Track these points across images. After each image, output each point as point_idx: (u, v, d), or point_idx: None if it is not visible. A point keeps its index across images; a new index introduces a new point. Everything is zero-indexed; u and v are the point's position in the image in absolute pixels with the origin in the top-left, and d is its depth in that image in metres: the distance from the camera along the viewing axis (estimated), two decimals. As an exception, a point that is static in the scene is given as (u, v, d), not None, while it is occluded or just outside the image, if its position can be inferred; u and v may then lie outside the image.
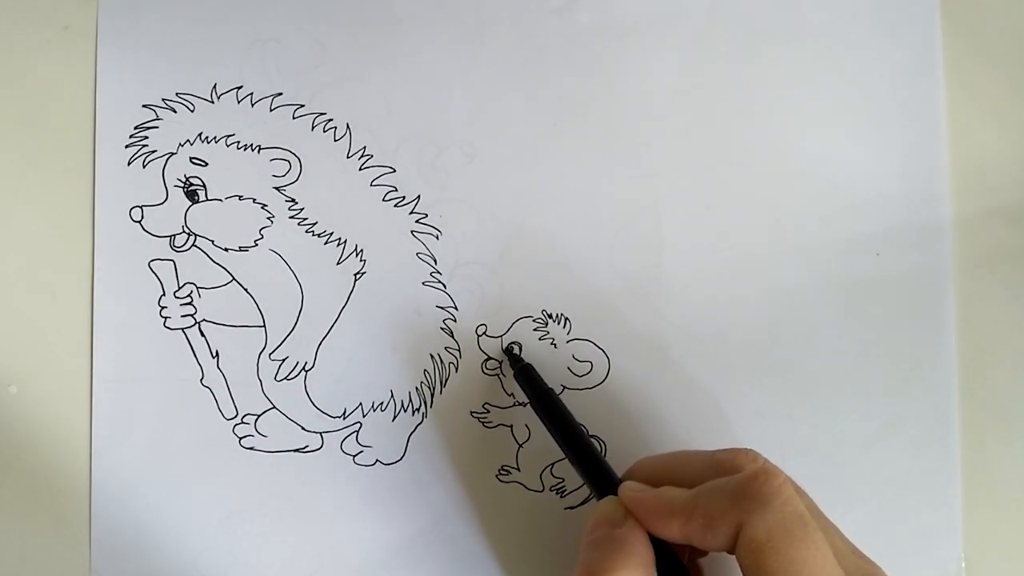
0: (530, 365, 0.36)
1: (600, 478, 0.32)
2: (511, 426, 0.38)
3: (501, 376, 0.38)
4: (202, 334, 0.37)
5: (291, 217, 0.38)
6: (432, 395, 0.38)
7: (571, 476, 0.38)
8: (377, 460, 0.37)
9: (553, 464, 0.38)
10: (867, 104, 0.39)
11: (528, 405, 0.37)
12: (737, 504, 0.27)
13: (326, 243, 0.38)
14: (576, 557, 0.37)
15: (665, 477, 0.31)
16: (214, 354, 0.37)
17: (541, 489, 0.38)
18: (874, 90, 0.39)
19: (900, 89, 0.39)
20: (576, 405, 0.38)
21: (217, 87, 0.38)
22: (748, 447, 0.31)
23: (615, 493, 0.31)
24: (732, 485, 0.27)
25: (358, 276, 0.38)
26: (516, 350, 0.38)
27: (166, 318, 0.37)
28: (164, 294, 0.37)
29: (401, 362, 0.38)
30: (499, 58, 0.39)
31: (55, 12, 0.38)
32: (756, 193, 0.38)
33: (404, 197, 0.38)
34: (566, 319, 0.38)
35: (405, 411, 0.37)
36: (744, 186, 0.38)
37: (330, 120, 0.38)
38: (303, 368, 0.37)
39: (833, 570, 0.26)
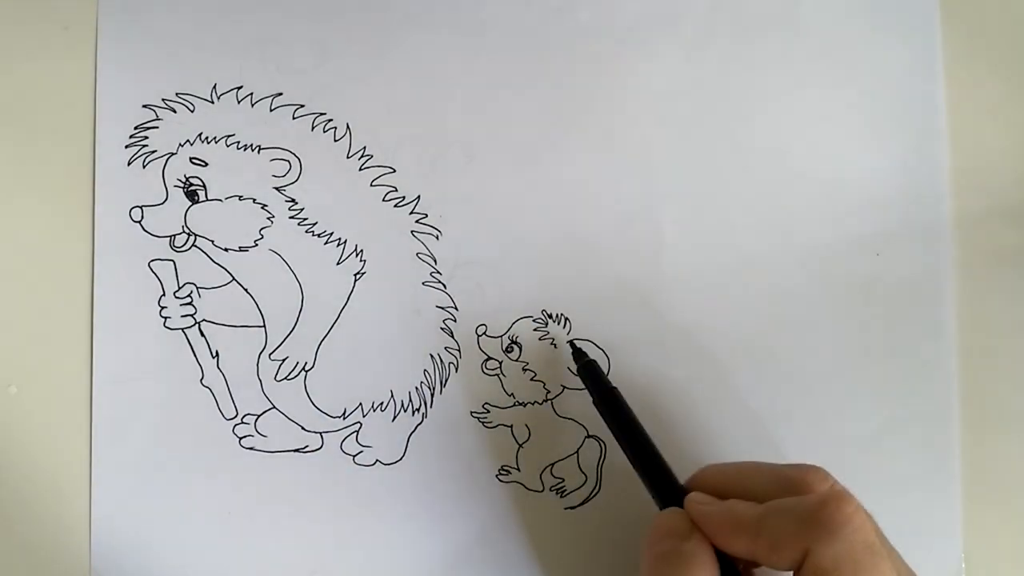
0: (594, 361, 0.36)
1: (664, 486, 0.32)
2: (511, 426, 0.38)
3: (501, 376, 0.38)
4: (202, 334, 0.37)
5: (291, 217, 0.38)
6: (432, 395, 0.38)
7: (571, 476, 0.38)
8: (377, 460, 0.37)
9: (553, 464, 0.38)
10: (867, 104, 0.39)
11: (527, 406, 0.38)
12: (806, 529, 0.26)
13: (326, 243, 0.38)
14: (575, 557, 0.37)
15: (730, 489, 0.30)
16: (214, 354, 0.37)
17: (541, 489, 0.38)
18: (874, 90, 0.39)
19: (900, 89, 0.39)
20: (576, 405, 0.38)
21: (217, 87, 0.38)
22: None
23: (679, 503, 0.31)
24: (801, 508, 0.27)
25: (358, 276, 0.38)
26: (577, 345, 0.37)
27: (166, 318, 0.37)
28: (164, 294, 0.37)
29: (401, 362, 0.38)
30: (499, 58, 0.39)
31: (55, 12, 0.38)
32: (756, 193, 0.38)
33: (404, 197, 0.38)
34: (566, 319, 0.38)
35: (405, 411, 0.37)
36: (744, 186, 0.38)
37: (330, 120, 0.38)
38: (303, 368, 0.37)
39: None
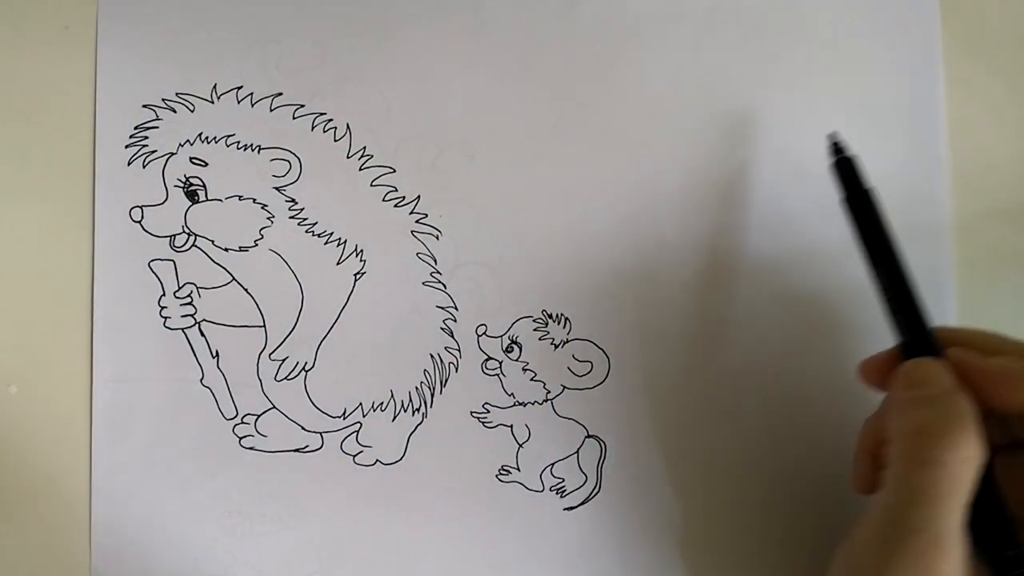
0: (854, 158, 0.33)
1: (918, 326, 0.30)
2: (511, 426, 0.38)
3: (501, 376, 0.38)
4: (202, 334, 0.37)
5: (291, 217, 0.38)
6: (432, 395, 0.38)
7: (571, 476, 0.38)
8: (377, 460, 0.37)
9: (553, 464, 0.38)
10: (867, 103, 0.39)
11: (527, 406, 0.38)
12: None
13: (326, 243, 0.38)
14: (575, 557, 0.37)
15: (990, 351, 0.29)
16: (214, 354, 0.37)
17: (541, 489, 0.38)
18: (874, 90, 0.39)
19: (900, 88, 0.39)
20: (576, 405, 0.38)
21: (217, 87, 0.38)
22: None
23: (931, 353, 0.30)
24: None
25: (358, 276, 0.38)
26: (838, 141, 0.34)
27: (166, 318, 0.37)
28: (164, 294, 0.37)
29: (401, 362, 0.38)
30: (499, 58, 0.39)
31: (55, 12, 0.38)
32: (756, 193, 0.38)
33: (404, 197, 0.38)
34: (566, 319, 0.38)
35: (405, 411, 0.37)
36: (744, 186, 0.38)
37: (330, 120, 0.38)
38: (303, 368, 0.37)
39: None
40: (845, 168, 0.33)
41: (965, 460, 0.27)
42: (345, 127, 0.38)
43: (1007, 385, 0.28)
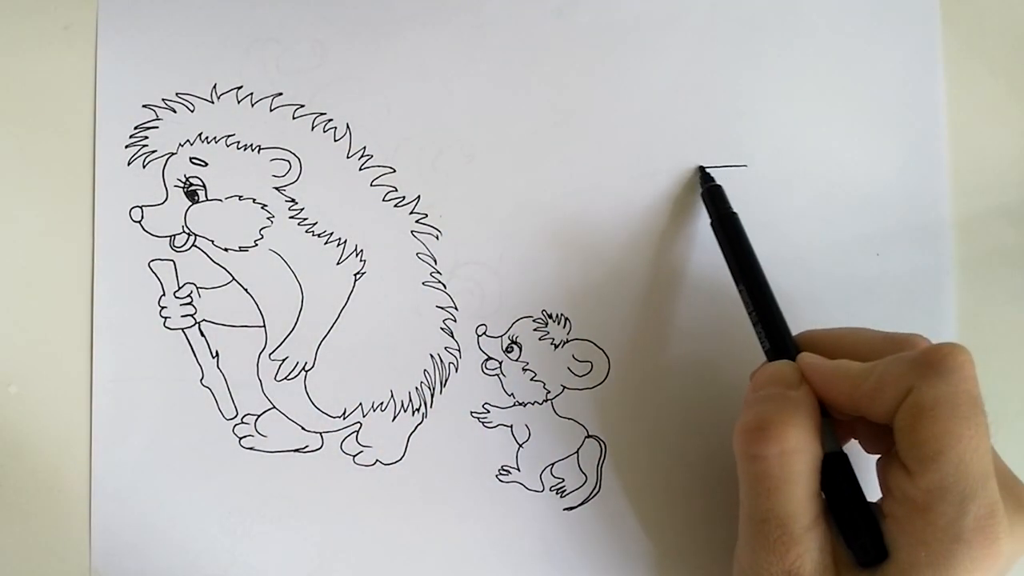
0: (720, 187, 0.37)
1: (778, 334, 0.33)
2: (511, 426, 0.38)
3: (501, 376, 0.38)
4: (202, 334, 0.37)
5: (291, 217, 0.38)
6: (432, 395, 0.38)
7: (571, 476, 0.38)
8: (377, 460, 0.37)
9: (553, 464, 0.38)
10: (867, 104, 0.39)
11: (527, 406, 0.38)
12: (913, 369, 0.27)
13: (326, 243, 0.38)
14: (575, 557, 0.37)
15: (839, 352, 0.31)
16: (214, 354, 0.37)
17: (541, 489, 0.38)
18: (874, 90, 0.39)
19: (900, 89, 0.39)
20: (576, 405, 0.38)
21: (217, 87, 0.38)
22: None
23: (789, 357, 0.31)
24: (914, 353, 0.28)
25: (358, 276, 0.38)
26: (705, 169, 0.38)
27: (166, 318, 0.37)
28: (164, 294, 0.37)
29: (401, 362, 0.38)
30: (499, 58, 0.39)
31: (55, 12, 0.38)
32: (756, 193, 0.38)
33: (404, 197, 0.38)
34: (566, 319, 0.38)
35: (405, 411, 0.37)
36: (744, 186, 0.38)
37: (330, 120, 0.38)
38: (303, 368, 0.37)
39: (984, 457, 0.25)
40: (714, 195, 0.37)
41: (786, 453, 0.28)
42: (345, 127, 0.38)
43: (833, 381, 0.29)
